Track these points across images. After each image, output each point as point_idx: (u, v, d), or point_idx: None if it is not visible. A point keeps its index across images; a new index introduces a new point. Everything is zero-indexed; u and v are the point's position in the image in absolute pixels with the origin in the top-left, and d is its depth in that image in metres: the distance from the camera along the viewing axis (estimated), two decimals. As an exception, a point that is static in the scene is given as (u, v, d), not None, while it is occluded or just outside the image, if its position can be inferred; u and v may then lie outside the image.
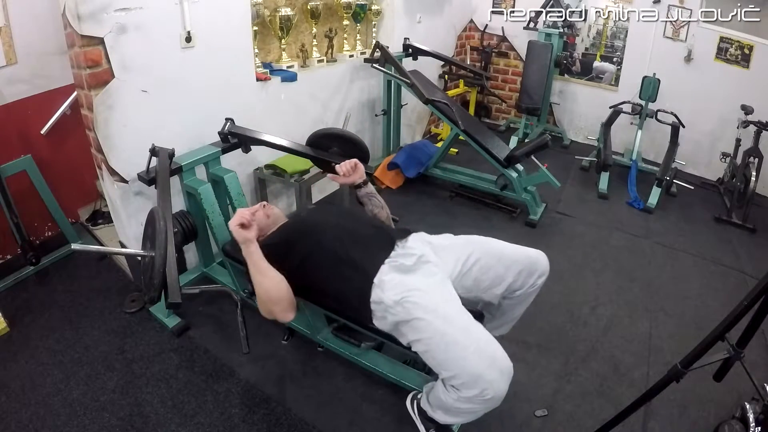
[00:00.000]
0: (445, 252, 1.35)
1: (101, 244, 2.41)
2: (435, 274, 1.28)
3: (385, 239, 1.35)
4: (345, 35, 2.99)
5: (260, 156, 2.33)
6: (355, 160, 1.53)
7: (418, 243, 1.36)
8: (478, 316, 1.45)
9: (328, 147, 2.03)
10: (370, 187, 1.57)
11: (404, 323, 1.20)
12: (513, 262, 1.34)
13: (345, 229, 1.37)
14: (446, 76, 3.92)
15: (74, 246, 1.10)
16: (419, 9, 3.38)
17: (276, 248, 1.35)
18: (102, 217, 2.55)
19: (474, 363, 1.09)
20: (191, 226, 1.84)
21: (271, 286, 1.24)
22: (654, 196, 3.01)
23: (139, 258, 1.30)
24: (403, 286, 1.22)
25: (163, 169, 1.60)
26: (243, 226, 1.23)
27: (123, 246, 2.08)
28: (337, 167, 1.52)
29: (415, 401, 1.44)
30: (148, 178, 1.69)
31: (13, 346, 1.80)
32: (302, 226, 1.42)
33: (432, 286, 1.23)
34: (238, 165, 2.18)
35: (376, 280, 1.25)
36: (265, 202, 1.58)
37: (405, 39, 3.07)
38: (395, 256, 1.29)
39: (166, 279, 1.15)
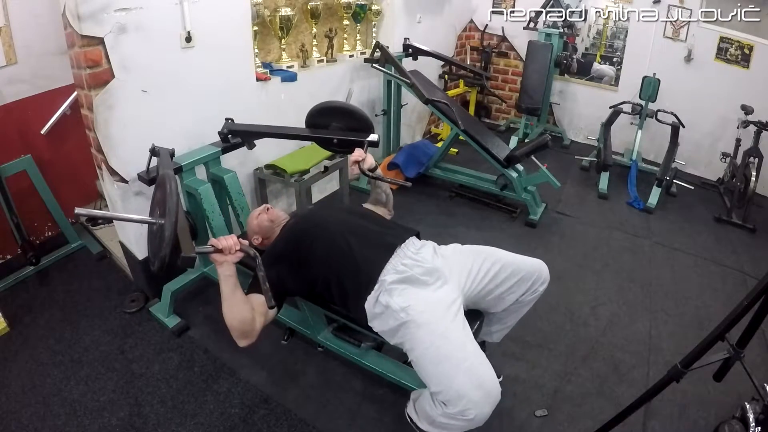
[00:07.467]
0: (455, 265, 1.36)
1: (101, 244, 2.41)
2: (448, 293, 1.28)
3: (393, 237, 1.36)
4: (345, 35, 2.99)
5: (260, 156, 2.33)
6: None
7: (430, 254, 1.36)
8: (477, 314, 1.45)
9: (328, 124, 1.80)
10: (379, 172, 1.65)
11: (404, 329, 1.21)
12: (517, 270, 1.37)
13: (353, 226, 1.39)
14: (446, 76, 3.91)
15: (77, 210, 1.06)
16: (419, 9, 3.38)
17: (284, 249, 1.37)
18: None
19: (461, 381, 1.11)
20: (191, 226, 1.83)
21: (238, 310, 1.20)
22: (654, 196, 3.01)
23: (147, 224, 1.27)
24: (414, 295, 1.24)
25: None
26: (222, 252, 1.17)
27: (123, 246, 2.08)
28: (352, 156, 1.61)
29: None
30: (148, 178, 1.69)
31: (13, 346, 1.80)
32: (309, 222, 1.43)
33: (441, 301, 1.25)
34: (238, 165, 2.18)
35: (384, 280, 1.25)
36: (268, 206, 1.60)
37: (405, 39, 3.07)
38: (409, 265, 1.29)
39: (179, 238, 1.09)
